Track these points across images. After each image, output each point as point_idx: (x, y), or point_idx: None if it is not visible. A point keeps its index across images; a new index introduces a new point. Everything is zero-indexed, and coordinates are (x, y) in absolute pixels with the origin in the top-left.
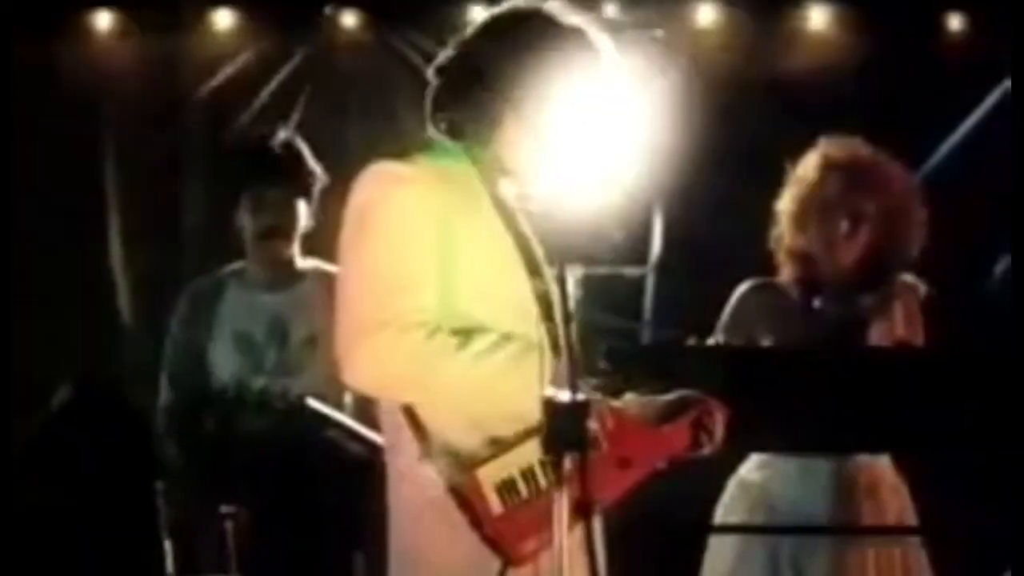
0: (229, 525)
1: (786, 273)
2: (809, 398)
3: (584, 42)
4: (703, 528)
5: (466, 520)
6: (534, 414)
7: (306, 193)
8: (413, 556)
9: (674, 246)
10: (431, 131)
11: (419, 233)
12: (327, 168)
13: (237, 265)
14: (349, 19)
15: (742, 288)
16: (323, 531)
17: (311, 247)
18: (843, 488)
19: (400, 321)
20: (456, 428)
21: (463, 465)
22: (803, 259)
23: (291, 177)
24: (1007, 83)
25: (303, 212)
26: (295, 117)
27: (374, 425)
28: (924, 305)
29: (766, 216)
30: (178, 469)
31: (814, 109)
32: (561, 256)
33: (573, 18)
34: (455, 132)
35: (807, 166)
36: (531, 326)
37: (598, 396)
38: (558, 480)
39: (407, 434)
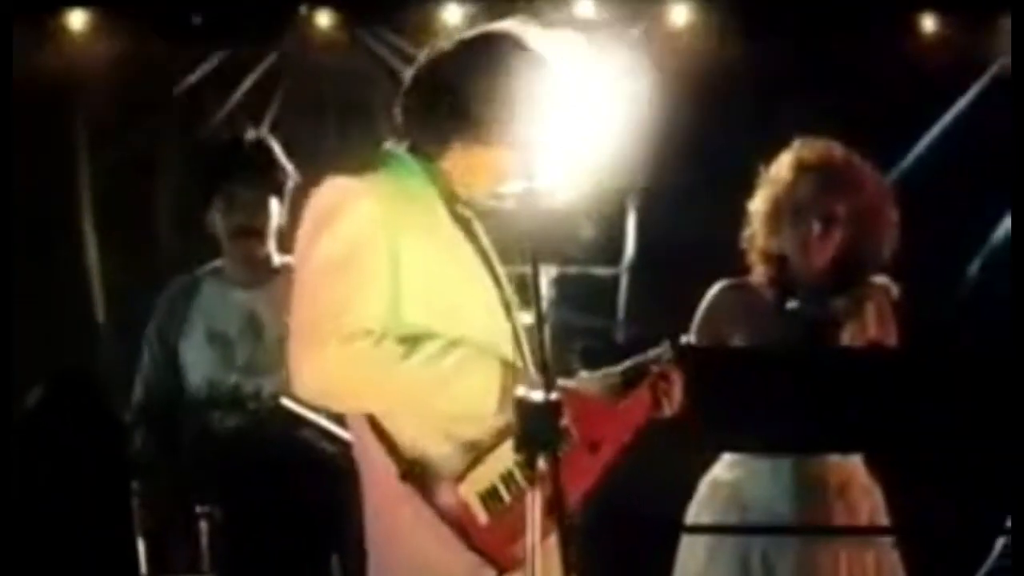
0: (203, 525)
1: (759, 273)
2: (781, 398)
3: (549, 70)
4: (675, 528)
5: (454, 534)
6: (493, 415)
7: (278, 191)
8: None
9: (647, 246)
10: (390, 145)
11: (370, 246)
12: (300, 167)
13: (216, 263)
14: (323, 19)
15: (715, 288)
16: (298, 531)
17: (286, 245)
18: (814, 488)
19: (345, 331)
20: (427, 438)
21: (443, 480)
22: (776, 260)
23: (263, 175)
24: (982, 82)
25: (276, 210)
26: (269, 116)
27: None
28: (896, 306)
29: (739, 216)
30: (150, 465)
31: (788, 110)
32: (534, 256)
33: (543, 43)
34: (416, 149)
35: (780, 167)
36: (494, 334)
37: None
38: (531, 480)
39: (380, 461)
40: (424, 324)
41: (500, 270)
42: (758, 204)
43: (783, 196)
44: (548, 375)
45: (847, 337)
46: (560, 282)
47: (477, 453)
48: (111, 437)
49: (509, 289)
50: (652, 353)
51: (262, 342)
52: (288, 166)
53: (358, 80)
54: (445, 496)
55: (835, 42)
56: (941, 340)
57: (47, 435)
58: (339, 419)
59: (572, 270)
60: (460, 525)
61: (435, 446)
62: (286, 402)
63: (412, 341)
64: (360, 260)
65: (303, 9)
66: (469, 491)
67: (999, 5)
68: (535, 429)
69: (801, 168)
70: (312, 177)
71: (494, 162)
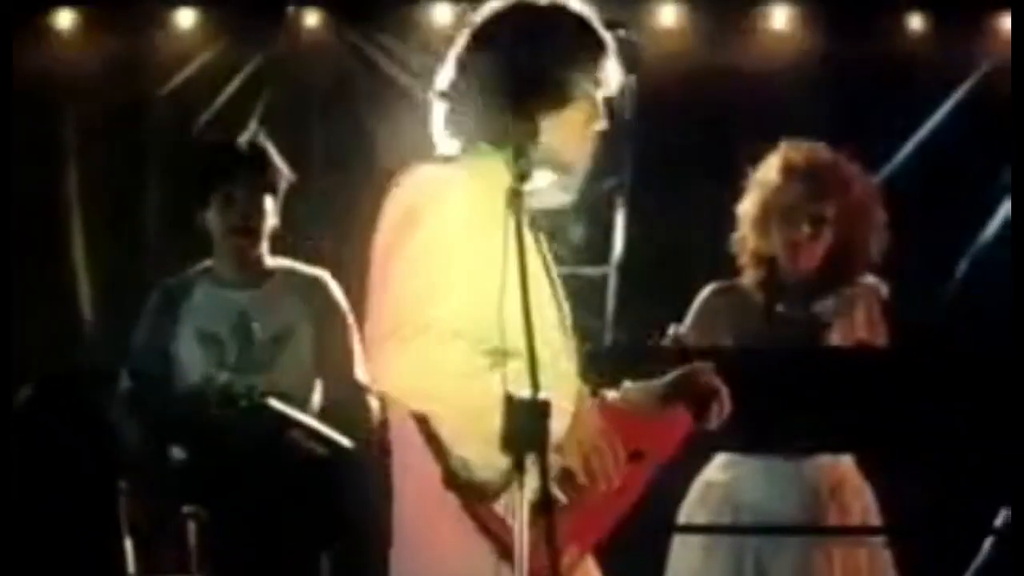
0: (191, 525)
1: (749, 276)
2: (772, 399)
3: (577, 29)
4: (668, 528)
5: (494, 550)
6: (561, 439)
7: (273, 191)
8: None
9: (636, 246)
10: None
11: (463, 239)
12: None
13: (206, 263)
14: (311, 19)
15: (706, 291)
16: (286, 531)
17: (277, 246)
18: (806, 489)
19: (438, 328)
20: (475, 445)
21: (485, 495)
22: (766, 262)
23: (260, 175)
24: (970, 83)
25: (270, 210)
26: (256, 116)
27: (338, 426)
28: (885, 306)
29: (728, 217)
30: (138, 465)
31: (776, 110)
32: (522, 254)
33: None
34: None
35: (768, 170)
36: (550, 346)
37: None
38: (519, 482)
39: (419, 459)
40: (491, 328)
41: (556, 275)
42: (747, 207)
43: (771, 198)
44: (536, 374)
45: (837, 338)
46: None
47: (521, 472)
48: (98, 437)
49: (563, 298)
50: (698, 364)
51: (253, 342)
52: (283, 167)
53: (345, 80)
54: (491, 512)
55: (824, 43)
56: (930, 340)
57: (34, 435)
58: (330, 420)
59: (561, 269)
60: (500, 541)
61: (486, 459)
62: (273, 402)
63: (498, 355)
64: (455, 253)
65: (290, 9)
66: (505, 504)
67: (996, 5)
68: (522, 429)
69: (789, 170)
70: (300, 179)
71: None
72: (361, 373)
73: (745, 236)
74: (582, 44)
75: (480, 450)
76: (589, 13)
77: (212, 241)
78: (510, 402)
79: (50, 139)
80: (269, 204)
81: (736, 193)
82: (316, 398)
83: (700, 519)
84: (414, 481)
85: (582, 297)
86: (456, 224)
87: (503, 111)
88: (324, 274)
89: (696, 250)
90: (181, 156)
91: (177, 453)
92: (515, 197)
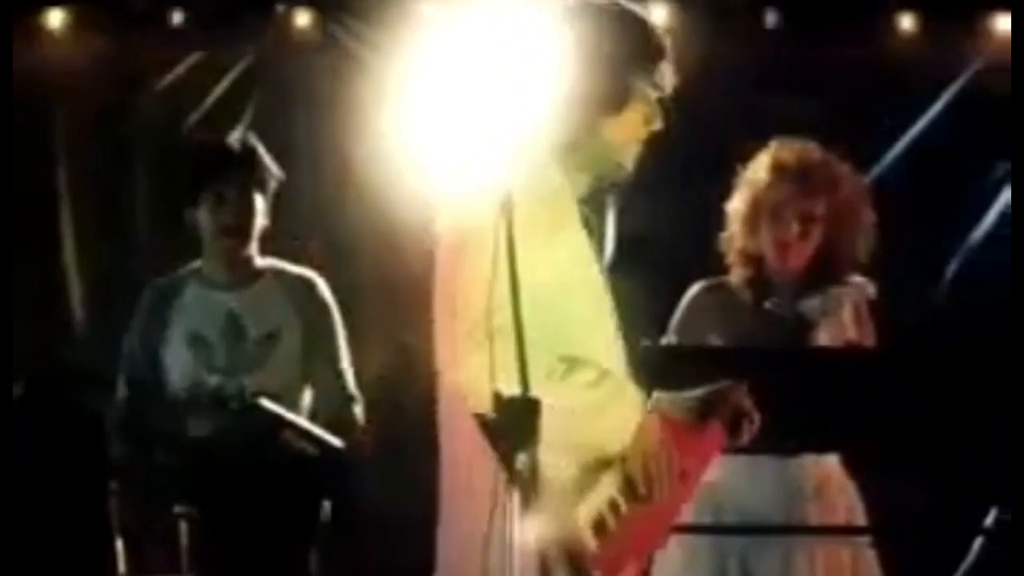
0: (182, 525)
1: (737, 274)
2: (759, 398)
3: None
4: None
5: (565, 562)
6: (617, 450)
7: (263, 190)
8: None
9: (625, 245)
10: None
11: (533, 244)
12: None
13: (195, 264)
14: (301, 18)
15: (694, 289)
16: (277, 531)
17: (266, 247)
18: (790, 488)
19: (507, 333)
20: (545, 451)
21: (556, 510)
22: (754, 260)
23: (250, 174)
24: (960, 82)
25: (261, 210)
26: (246, 116)
27: (326, 426)
28: (873, 305)
29: (717, 216)
30: (131, 468)
31: (766, 110)
32: (512, 256)
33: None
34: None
35: (758, 168)
36: (611, 353)
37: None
38: (509, 480)
39: (479, 457)
40: (555, 334)
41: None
42: (736, 205)
43: (761, 197)
44: (525, 372)
45: (824, 337)
46: None
47: (588, 481)
48: (89, 437)
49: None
50: (733, 383)
51: (243, 343)
52: (273, 166)
53: (335, 79)
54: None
55: (813, 42)
56: (918, 339)
57: (24, 435)
58: (320, 420)
59: None
60: (573, 554)
61: (554, 465)
62: (264, 403)
63: (571, 362)
64: (533, 258)
65: (280, 9)
66: (581, 519)
67: (987, 4)
68: (512, 427)
69: (779, 169)
70: (289, 180)
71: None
72: (347, 378)
73: (733, 234)
74: (643, 46)
75: (547, 456)
76: (646, 14)
77: (201, 241)
78: (499, 400)
79: (40, 138)
80: (259, 204)
81: (725, 191)
82: (306, 398)
83: (683, 519)
84: (464, 475)
85: None
86: (526, 228)
87: (572, 112)
88: (313, 274)
89: (686, 249)
90: (171, 155)
91: (169, 454)
92: (592, 202)
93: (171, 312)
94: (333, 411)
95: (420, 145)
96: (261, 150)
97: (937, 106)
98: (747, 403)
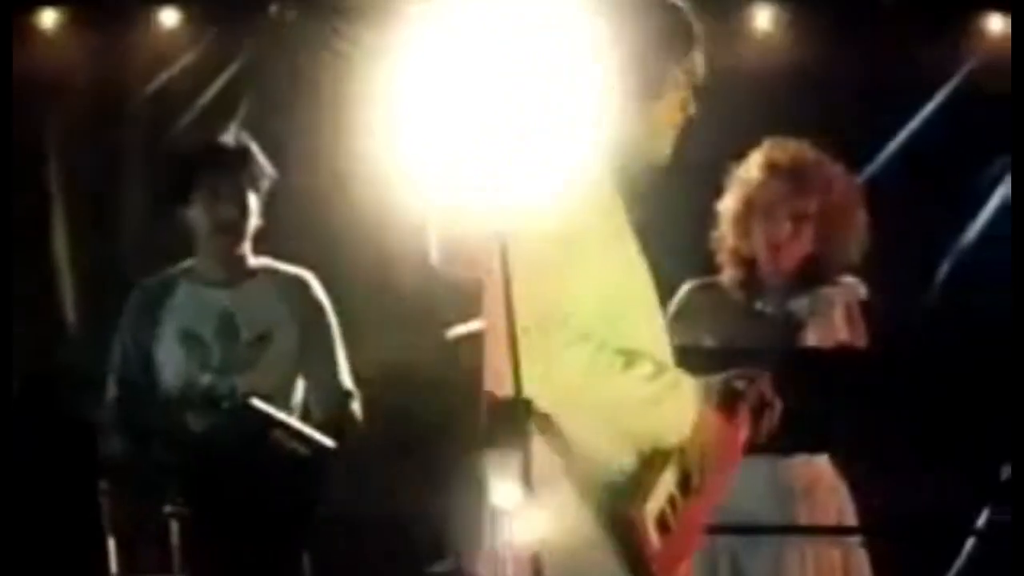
0: (173, 525)
1: (728, 274)
2: None
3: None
4: None
5: (626, 558)
6: (674, 442)
7: (257, 189)
8: None
9: None
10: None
11: (589, 239)
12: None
13: (187, 263)
14: (294, 18)
15: (684, 289)
16: (268, 531)
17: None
18: (781, 488)
19: (569, 327)
20: (603, 444)
21: (623, 507)
22: (745, 260)
23: (244, 171)
24: (952, 83)
25: (255, 209)
26: (239, 116)
27: (327, 423)
28: (864, 306)
29: (707, 215)
30: (123, 467)
31: (759, 109)
32: (504, 256)
33: None
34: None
35: (750, 167)
36: (656, 345)
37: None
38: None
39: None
40: (613, 328)
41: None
42: (728, 204)
43: (753, 196)
44: (518, 372)
45: (815, 337)
46: None
47: (651, 477)
48: (80, 436)
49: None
50: (757, 371)
51: (237, 342)
52: (267, 165)
53: (328, 78)
54: (621, 524)
55: (805, 42)
56: (910, 340)
57: (16, 435)
58: (312, 420)
59: None
60: (636, 549)
61: (608, 448)
62: (256, 403)
63: (628, 355)
64: (583, 255)
65: (274, 8)
66: (647, 517)
67: (980, 4)
68: (503, 429)
69: (771, 168)
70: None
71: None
72: (343, 374)
73: (724, 234)
74: (679, 34)
75: (606, 452)
76: (681, 3)
77: (194, 240)
78: (490, 401)
79: (32, 139)
80: (253, 202)
81: (718, 192)
82: (297, 398)
83: None
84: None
85: None
86: (580, 224)
87: (609, 100)
88: (307, 274)
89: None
90: (164, 154)
91: (160, 453)
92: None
93: (163, 310)
94: (331, 408)
95: (414, 144)
96: (255, 148)
97: (930, 106)
98: (770, 391)
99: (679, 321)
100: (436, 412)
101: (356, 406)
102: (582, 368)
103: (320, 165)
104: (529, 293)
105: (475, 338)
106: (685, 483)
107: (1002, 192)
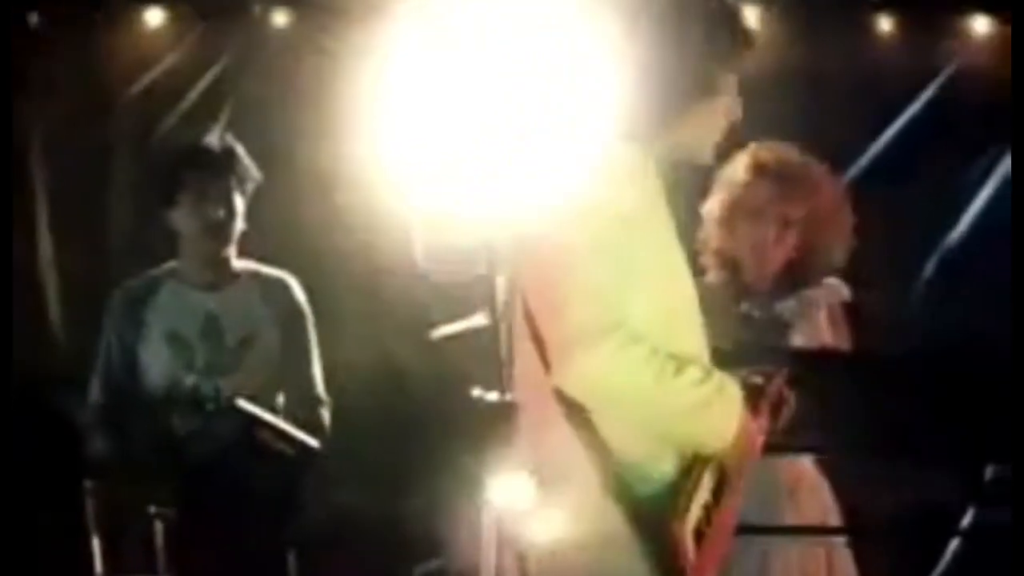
0: (158, 525)
1: (712, 275)
2: None
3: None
4: None
5: (662, 569)
6: (716, 447)
7: (243, 191)
8: None
9: None
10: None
11: (640, 239)
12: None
13: (171, 264)
14: (279, 18)
15: None
16: (253, 532)
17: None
18: (764, 487)
19: (624, 330)
20: (642, 448)
21: (663, 518)
22: (730, 262)
23: (231, 171)
24: (936, 84)
25: (240, 211)
26: (223, 117)
27: (304, 426)
28: (848, 307)
29: (692, 216)
30: (107, 466)
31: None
32: (491, 259)
33: None
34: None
35: (736, 170)
36: (698, 345)
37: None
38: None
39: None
40: (666, 331)
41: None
42: (713, 206)
43: (739, 198)
44: (503, 376)
45: (799, 339)
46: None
47: (690, 487)
48: (65, 436)
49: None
50: (775, 370)
51: (221, 344)
52: (252, 168)
53: (313, 79)
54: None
55: (791, 43)
56: (892, 341)
57: (0, 434)
58: (297, 421)
59: None
60: (675, 561)
61: (656, 467)
62: (241, 404)
63: (679, 359)
64: (633, 253)
65: (257, 9)
66: (686, 529)
67: (963, 6)
68: (489, 431)
69: (758, 170)
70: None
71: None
72: (317, 381)
73: (709, 236)
74: (732, 38)
75: (645, 456)
76: (737, 5)
77: (179, 242)
78: (477, 404)
79: (17, 140)
80: (239, 204)
81: (702, 192)
82: (279, 400)
83: None
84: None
85: None
86: (629, 224)
87: (656, 101)
88: (288, 276)
89: None
90: (148, 156)
91: (145, 454)
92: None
93: (147, 311)
94: (303, 414)
95: (402, 144)
96: (240, 150)
97: (913, 108)
98: (787, 389)
99: None
100: (421, 413)
101: (326, 413)
102: (636, 371)
103: (305, 166)
104: (584, 296)
105: (459, 339)
106: (718, 490)
107: (986, 193)
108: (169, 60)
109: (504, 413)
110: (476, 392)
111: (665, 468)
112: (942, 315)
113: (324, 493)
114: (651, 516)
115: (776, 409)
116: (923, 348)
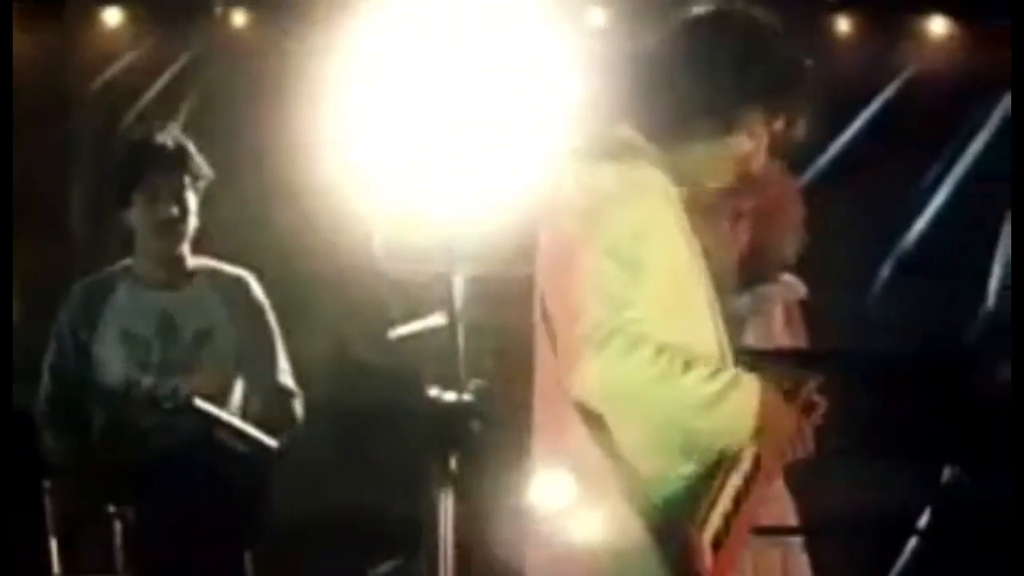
0: (116, 525)
1: None
2: None
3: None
4: None
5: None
6: (731, 447)
7: (196, 189)
8: None
9: None
10: (626, 132)
11: (651, 241)
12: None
13: (126, 262)
14: (239, 18)
15: None
16: (211, 531)
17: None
18: None
19: (628, 331)
20: (660, 453)
21: (679, 521)
22: None
23: (184, 168)
24: (896, 84)
25: (194, 208)
26: (182, 116)
27: (258, 425)
28: (803, 305)
29: None
30: (63, 465)
31: None
32: (451, 257)
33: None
34: (653, 135)
35: None
36: (713, 344)
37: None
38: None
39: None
40: (676, 332)
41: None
42: None
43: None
44: (460, 372)
45: (753, 336)
46: (474, 283)
47: (712, 496)
48: (23, 436)
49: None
50: (810, 372)
51: (177, 343)
52: (204, 165)
53: (273, 78)
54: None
55: None
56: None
57: None
58: (252, 420)
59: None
60: (691, 567)
61: (655, 459)
62: (199, 403)
63: (688, 357)
64: (643, 255)
65: (218, 10)
66: (704, 539)
67: (921, 9)
68: (447, 429)
69: None
70: (222, 180)
71: (737, 153)
72: (284, 374)
73: None
74: (767, 72)
75: (667, 461)
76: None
77: (134, 240)
78: (433, 403)
79: None
80: (192, 202)
81: None
82: (236, 398)
83: None
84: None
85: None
86: (640, 226)
87: (701, 112)
88: (246, 274)
89: None
90: (107, 153)
91: (102, 453)
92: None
93: (104, 308)
94: (271, 408)
95: (363, 143)
96: (192, 148)
97: (870, 110)
98: (817, 396)
99: None
100: (380, 412)
101: (298, 405)
102: (640, 371)
103: (267, 165)
104: (590, 301)
105: (418, 338)
106: (746, 487)
107: (943, 193)
108: (128, 58)
109: (461, 412)
110: (434, 391)
111: (684, 470)
112: (898, 315)
113: (282, 492)
114: (669, 524)
115: (806, 409)
116: (879, 348)
